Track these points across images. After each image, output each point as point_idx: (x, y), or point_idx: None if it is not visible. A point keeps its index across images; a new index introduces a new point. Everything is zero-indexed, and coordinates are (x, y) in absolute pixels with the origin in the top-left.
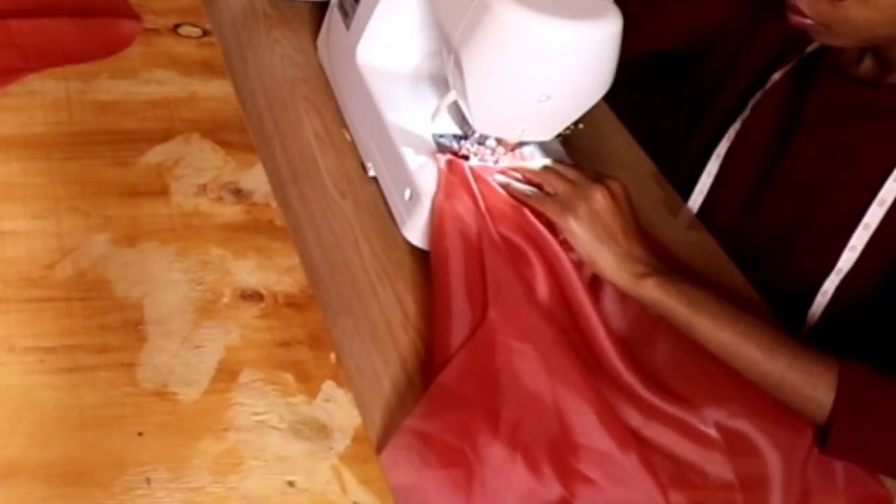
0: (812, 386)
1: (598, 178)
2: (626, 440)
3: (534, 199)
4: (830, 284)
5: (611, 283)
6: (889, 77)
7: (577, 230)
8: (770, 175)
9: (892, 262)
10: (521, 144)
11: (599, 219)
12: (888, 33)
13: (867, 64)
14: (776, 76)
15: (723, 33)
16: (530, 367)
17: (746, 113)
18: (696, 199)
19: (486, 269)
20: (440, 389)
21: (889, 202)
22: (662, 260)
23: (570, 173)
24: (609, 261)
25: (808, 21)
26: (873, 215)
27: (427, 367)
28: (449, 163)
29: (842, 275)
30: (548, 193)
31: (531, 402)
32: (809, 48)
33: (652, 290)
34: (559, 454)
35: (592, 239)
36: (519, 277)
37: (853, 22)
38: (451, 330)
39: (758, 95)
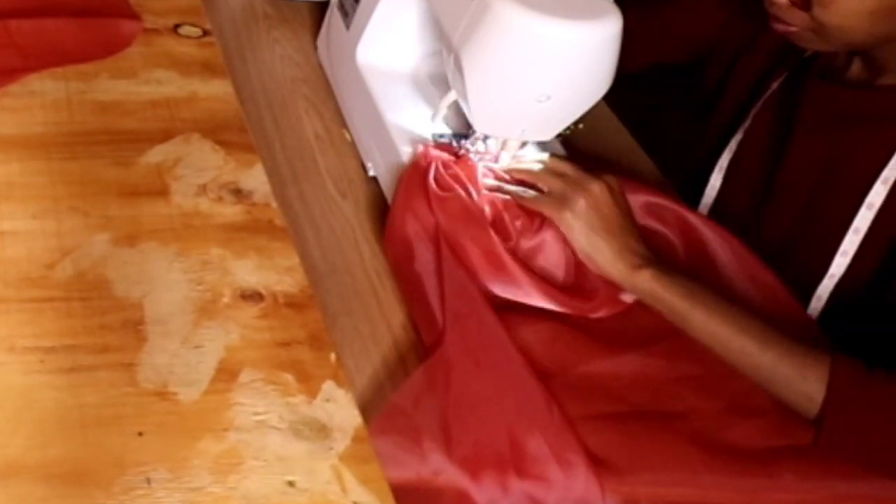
0: (803, 378)
1: (592, 172)
2: (576, 467)
3: (528, 200)
4: (824, 290)
5: (607, 277)
6: (877, 80)
7: (574, 224)
8: (770, 184)
9: (883, 266)
10: (523, 145)
11: (596, 212)
12: (864, 38)
13: (856, 67)
14: (774, 85)
15: (720, 42)
16: (485, 390)
17: (747, 123)
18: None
19: (443, 288)
20: (394, 409)
21: (877, 206)
22: (660, 251)
23: (564, 168)
24: (605, 254)
25: (791, 28)
26: (863, 219)
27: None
28: (415, 165)
29: (835, 280)
30: (541, 192)
31: (485, 426)
32: (806, 54)
33: (648, 282)
34: (509, 476)
35: (589, 232)
36: (476, 295)
37: (827, 28)
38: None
39: (758, 105)
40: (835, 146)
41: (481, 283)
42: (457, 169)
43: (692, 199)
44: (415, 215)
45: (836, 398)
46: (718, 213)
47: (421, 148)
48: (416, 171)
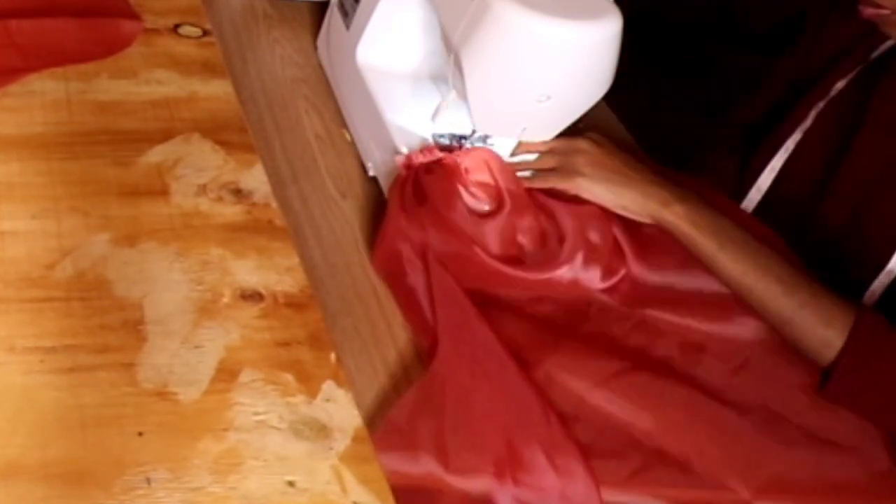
0: (826, 323)
1: (572, 136)
2: (575, 475)
3: (536, 181)
4: (879, 285)
5: (643, 218)
6: None
7: (589, 185)
8: (827, 182)
9: None
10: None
11: (601, 164)
12: None
13: None
14: (840, 84)
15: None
16: (481, 403)
17: (808, 123)
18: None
19: (433, 301)
20: (390, 427)
21: None
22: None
23: (549, 143)
24: (633, 197)
25: (884, 11)
26: None
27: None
28: (398, 178)
29: (892, 275)
30: (543, 171)
31: (481, 439)
32: (874, 54)
33: (678, 217)
34: (506, 486)
35: (608, 185)
36: (467, 306)
37: None
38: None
39: (820, 105)
40: None
41: (470, 289)
42: (440, 171)
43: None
44: (400, 230)
45: (854, 346)
46: (766, 213)
47: (405, 153)
48: (398, 184)
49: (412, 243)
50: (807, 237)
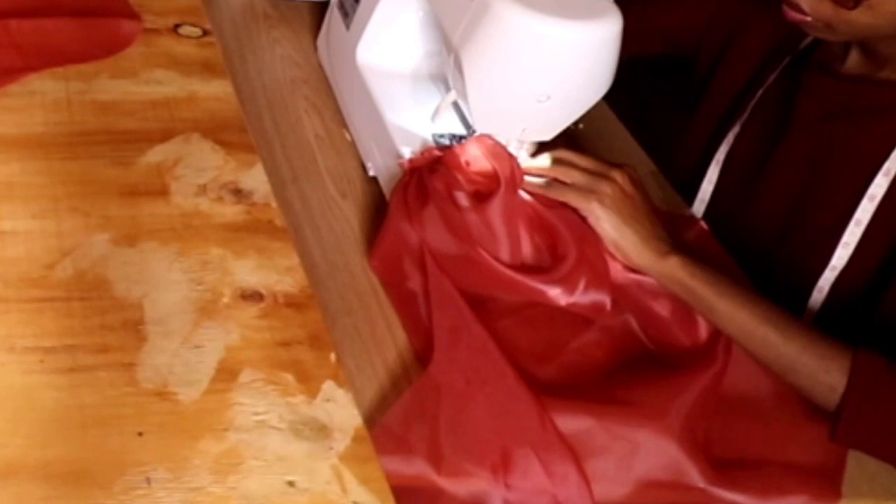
0: (825, 370)
1: (612, 164)
2: (568, 478)
3: (553, 191)
4: (826, 281)
5: (634, 265)
6: (877, 73)
7: (602, 215)
8: (764, 175)
9: (885, 258)
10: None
11: (623, 202)
12: (886, 34)
13: (854, 58)
14: (771, 77)
15: (709, 34)
16: (476, 409)
17: (745, 115)
18: (699, 209)
19: (430, 306)
20: (384, 431)
21: (879, 198)
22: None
23: (585, 162)
24: (634, 241)
25: (806, 18)
26: (864, 211)
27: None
28: (406, 184)
29: (836, 271)
30: (564, 184)
31: (475, 445)
32: (802, 44)
33: (675, 269)
34: (499, 488)
35: (619, 222)
36: (465, 311)
37: (855, 25)
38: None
39: (757, 96)
40: (833, 138)
41: (470, 293)
42: (441, 173)
43: (688, 194)
44: (400, 234)
45: (856, 389)
46: (714, 206)
47: (408, 156)
48: (399, 188)
49: (411, 248)
50: (750, 230)
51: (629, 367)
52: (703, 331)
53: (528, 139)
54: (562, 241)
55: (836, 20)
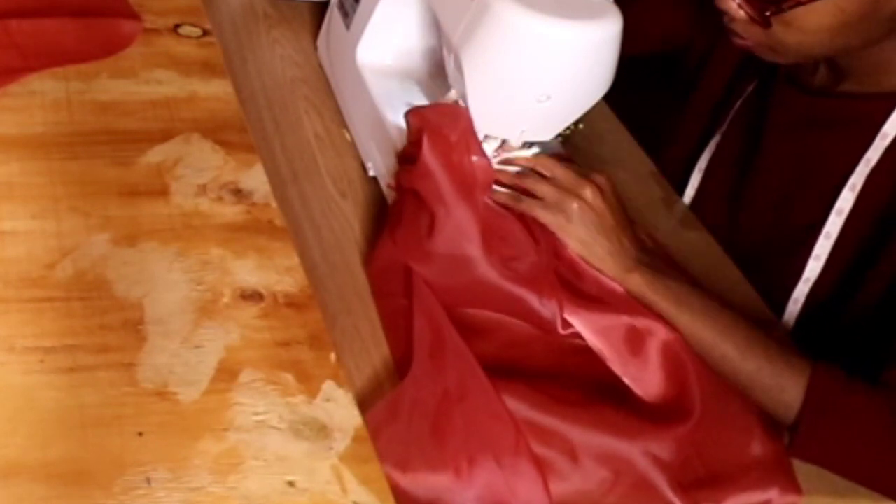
0: (780, 389)
1: (584, 174)
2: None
3: (523, 205)
4: (800, 293)
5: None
6: (839, 86)
7: (569, 229)
8: (743, 184)
9: (855, 271)
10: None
11: (589, 216)
12: (823, 52)
13: (822, 72)
14: (749, 87)
15: (696, 36)
16: (451, 423)
17: (725, 125)
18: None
19: (412, 318)
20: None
21: (846, 211)
22: (653, 253)
23: (557, 171)
24: (600, 257)
25: (748, 43)
26: (833, 224)
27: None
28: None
29: (809, 284)
30: (535, 197)
31: (441, 456)
32: None
33: (638, 285)
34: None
35: (584, 237)
36: (447, 328)
37: (786, 45)
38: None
39: (736, 106)
40: (803, 151)
41: (454, 307)
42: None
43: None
44: (390, 249)
45: (811, 408)
46: (697, 214)
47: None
48: (391, 208)
49: (398, 265)
50: (731, 240)
51: (610, 391)
52: None
53: (528, 139)
54: (522, 247)
55: (772, 42)
